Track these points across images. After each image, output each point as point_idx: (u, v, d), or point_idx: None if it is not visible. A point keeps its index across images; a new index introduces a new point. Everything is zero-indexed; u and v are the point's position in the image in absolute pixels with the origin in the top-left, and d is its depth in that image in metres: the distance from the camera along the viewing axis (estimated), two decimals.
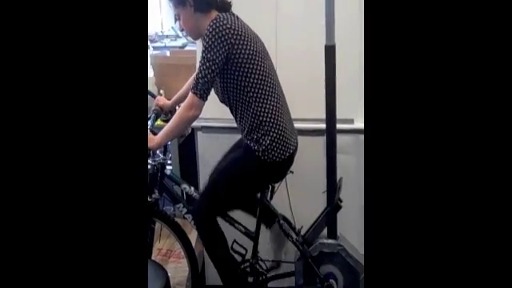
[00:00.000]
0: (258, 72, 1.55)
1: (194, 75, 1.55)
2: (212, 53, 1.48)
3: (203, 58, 1.49)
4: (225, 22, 1.48)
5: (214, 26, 1.47)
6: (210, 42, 1.48)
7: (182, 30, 1.77)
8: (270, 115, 1.59)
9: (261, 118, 1.58)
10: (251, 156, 1.62)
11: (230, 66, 1.53)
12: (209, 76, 1.50)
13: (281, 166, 1.66)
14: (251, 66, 1.54)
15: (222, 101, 1.69)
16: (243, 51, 1.52)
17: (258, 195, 1.80)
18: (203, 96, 1.52)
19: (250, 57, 1.53)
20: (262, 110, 1.58)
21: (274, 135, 1.59)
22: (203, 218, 1.76)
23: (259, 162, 1.61)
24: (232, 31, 1.49)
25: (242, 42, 1.51)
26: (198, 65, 1.53)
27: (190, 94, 1.53)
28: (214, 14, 1.55)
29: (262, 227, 1.86)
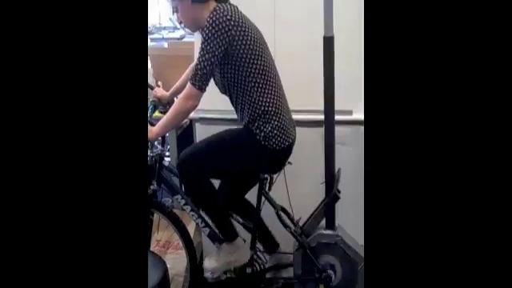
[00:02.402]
0: (258, 62, 1.55)
1: (193, 65, 1.54)
2: (212, 44, 1.47)
3: (203, 49, 1.49)
4: (225, 13, 1.48)
5: (213, 18, 1.47)
6: (210, 34, 1.47)
7: (180, 23, 1.76)
8: (271, 105, 1.59)
9: (262, 108, 1.58)
10: (252, 137, 1.62)
11: (231, 57, 1.53)
12: (208, 68, 1.49)
13: (278, 155, 1.67)
14: (252, 57, 1.54)
15: (223, 91, 1.69)
16: (244, 42, 1.51)
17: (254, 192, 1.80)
18: (202, 87, 1.52)
19: (251, 48, 1.53)
20: (264, 99, 1.58)
21: (275, 123, 1.60)
22: (188, 170, 1.70)
23: (259, 145, 1.61)
24: (232, 22, 1.48)
25: (242, 34, 1.51)
26: (196, 56, 1.53)
27: (189, 84, 1.53)
28: (213, 4, 1.54)
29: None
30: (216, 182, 1.82)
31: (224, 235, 1.82)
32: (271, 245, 1.95)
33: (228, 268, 1.85)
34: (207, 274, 1.83)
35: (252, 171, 1.76)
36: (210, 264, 1.82)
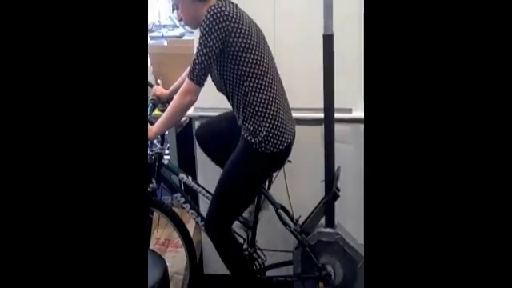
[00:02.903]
0: (254, 61, 1.54)
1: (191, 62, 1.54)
2: (209, 39, 1.47)
3: (200, 44, 1.49)
4: (223, 8, 1.48)
5: (211, 13, 1.47)
6: (208, 29, 1.47)
7: (180, 20, 1.76)
8: (265, 105, 1.57)
9: (256, 108, 1.57)
10: (249, 152, 1.61)
11: (227, 54, 1.52)
12: (205, 62, 1.49)
13: (278, 157, 1.66)
14: (247, 55, 1.53)
15: (219, 89, 1.68)
16: (240, 39, 1.51)
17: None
18: (200, 82, 1.52)
19: (247, 45, 1.52)
20: (258, 98, 1.57)
21: (270, 126, 1.58)
22: (217, 232, 1.75)
23: (257, 154, 1.60)
24: (230, 18, 1.48)
25: (238, 30, 1.50)
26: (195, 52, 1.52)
27: (187, 80, 1.53)
28: (213, 2, 1.54)
29: (260, 216, 1.86)
30: (216, 179, 1.81)
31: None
32: None
33: None
34: None
35: (262, 180, 1.78)
36: None
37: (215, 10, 1.47)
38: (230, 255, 1.79)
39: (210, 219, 1.74)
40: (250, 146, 1.60)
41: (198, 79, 1.51)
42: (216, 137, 1.91)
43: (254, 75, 1.55)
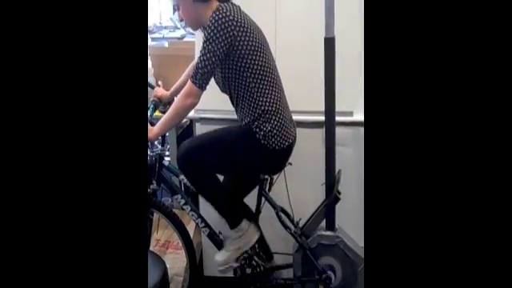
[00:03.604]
0: (259, 63, 1.55)
1: (193, 64, 1.54)
2: (214, 44, 1.47)
3: (204, 48, 1.49)
4: (227, 13, 1.48)
5: (216, 18, 1.47)
6: (212, 34, 1.47)
7: (181, 21, 1.76)
8: (271, 105, 1.59)
9: (262, 108, 1.58)
10: (252, 136, 1.61)
11: (232, 57, 1.53)
12: (209, 67, 1.49)
13: (278, 156, 1.66)
14: (253, 57, 1.54)
15: (223, 90, 1.68)
16: (245, 42, 1.51)
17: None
18: (202, 86, 1.52)
19: (252, 48, 1.53)
20: (264, 100, 1.58)
21: (275, 123, 1.60)
22: (188, 163, 1.68)
23: (259, 144, 1.61)
24: (235, 23, 1.48)
25: (244, 34, 1.51)
26: (197, 56, 1.53)
27: (189, 82, 1.53)
28: (215, 4, 1.54)
29: (260, 219, 1.86)
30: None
31: (229, 222, 1.78)
32: (266, 255, 1.93)
33: (239, 254, 1.80)
34: (221, 268, 1.80)
35: (252, 171, 1.76)
36: (222, 256, 1.79)
37: (220, 16, 1.47)
38: (206, 186, 1.75)
39: (185, 153, 1.66)
40: (254, 135, 1.60)
41: (200, 83, 1.51)
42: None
43: (260, 76, 1.56)
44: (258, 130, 1.60)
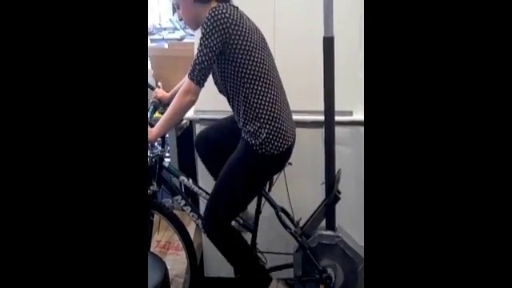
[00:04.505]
0: (254, 63, 1.55)
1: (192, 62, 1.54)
2: (209, 40, 1.48)
3: (201, 44, 1.49)
4: (223, 11, 1.48)
5: (212, 14, 1.47)
6: (208, 30, 1.48)
7: (180, 20, 1.77)
8: (266, 107, 1.58)
9: (257, 110, 1.58)
10: (249, 152, 1.61)
11: (227, 56, 1.53)
12: (206, 62, 1.49)
13: (279, 159, 1.66)
14: (247, 57, 1.53)
15: (221, 91, 1.69)
16: (240, 41, 1.51)
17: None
18: (200, 82, 1.52)
19: (247, 47, 1.53)
20: (258, 101, 1.57)
21: (271, 127, 1.58)
22: (216, 230, 1.74)
23: (257, 156, 1.60)
24: (230, 21, 1.49)
25: (238, 33, 1.51)
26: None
27: (187, 79, 1.53)
28: (214, 4, 1.55)
29: (260, 219, 1.86)
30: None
31: (258, 285, 1.83)
32: None
33: None
34: None
35: (263, 180, 1.77)
36: None
37: (216, 12, 1.47)
38: (233, 253, 1.78)
39: (208, 218, 1.73)
40: (251, 148, 1.60)
41: (198, 79, 1.51)
42: (216, 148, 1.90)
43: (254, 77, 1.56)
44: (253, 140, 1.59)
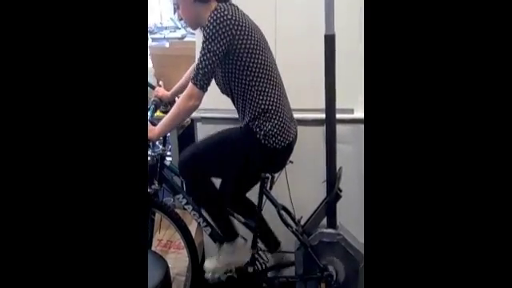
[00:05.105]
0: (259, 62, 1.55)
1: (194, 65, 1.55)
2: (213, 44, 1.47)
3: (204, 48, 1.49)
4: (226, 12, 1.48)
5: (214, 17, 1.47)
6: (211, 33, 1.47)
7: (180, 19, 1.77)
8: (271, 104, 1.59)
9: (263, 107, 1.59)
10: (252, 136, 1.62)
11: (232, 57, 1.53)
12: (209, 67, 1.49)
13: (279, 154, 1.67)
14: (252, 56, 1.54)
15: (223, 91, 1.69)
16: (244, 42, 1.52)
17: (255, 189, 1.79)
18: (203, 87, 1.52)
19: (252, 47, 1.53)
20: (264, 99, 1.58)
21: (276, 122, 1.60)
22: (189, 169, 1.72)
23: (259, 144, 1.61)
24: (233, 22, 1.49)
25: (242, 33, 1.51)
26: (197, 56, 1.53)
27: (190, 84, 1.53)
28: (214, 4, 1.55)
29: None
30: (217, 182, 1.82)
31: (225, 235, 1.83)
32: (272, 243, 1.95)
33: (229, 268, 1.85)
34: (208, 275, 1.84)
35: (253, 170, 1.76)
36: (211, 264, 1.83)
37: (218, 15, 1.47)
38: (205, 197, 1.79)
39: (187, 159, 1.70)
40: (254, 135, 1.60)
41: (201, 84, 1.51)
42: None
43: (259, 75, 1.56)
44: (258, 129, 1.60)
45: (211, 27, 1.47)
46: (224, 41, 1.48)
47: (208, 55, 1.49)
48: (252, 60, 1.54)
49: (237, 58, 1.53)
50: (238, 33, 1.50)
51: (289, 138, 1.64)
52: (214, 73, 1.53)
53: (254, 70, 1.55)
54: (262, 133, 1.60)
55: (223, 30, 1.47)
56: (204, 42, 1.49)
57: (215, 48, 1.48)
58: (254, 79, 1.56)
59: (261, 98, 1.58)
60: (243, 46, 1.52)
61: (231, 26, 1.48)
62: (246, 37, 1.52)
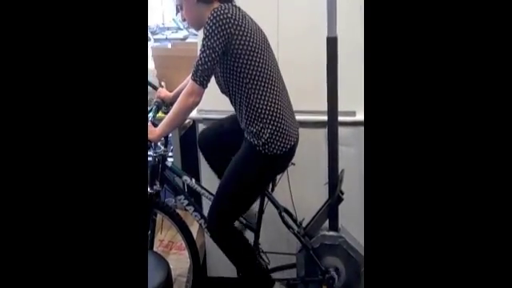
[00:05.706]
0: (256, 63, 1.55)
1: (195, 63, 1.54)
2: (212, 40, 1.48)
3: (203, 45, 1.49)
4: (226, 11, 1.48)
5: (214, 15, 1.47)
6: (211, 30, 1.48)
7: (183, 20, 1.76)
8: (268, 107, 1.58)
9: (259, 110, 1.57)
10: (252, 153, 1.61)
11: (230, 57, 1.53)
12: (209, 63, 1.49)
13: (282, 159, 1.66)
14: (250, 58, 1.53)
15: (223, 91, 1.69)
16: (242, 42, 1.51)
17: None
18: (203, 83, 1.52)
19: (249, 48, 1.53)
20: (261, 101, 1.57)
21: (274, 128, 1.58)
22: (219, 231, 1.75)
23: (260, 156, 1.60)
24: (232, 21, 1.49)
25: (241, 33, 1.51)
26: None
27: (190, 81, 1.53)
28: (216, 4, 1.55)
29: (263, 219, 1.86)
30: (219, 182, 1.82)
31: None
32: None
33: None
34: None
35: (263, 183, 1.77)
36: None
37: (218, 13, 1.47)
38: (236, 253, 1.79)
39: (211, 219, 1.74)
40: (254, 148, 1.60)
41: (201, 80, 1.51)
42: (218, 146, 1.91)
43: (257, 77, 1.55)
44: (256, 140, 1.59)
45: (210, 24, 1.48)
46: (222, 38, 1.48)
47: (207, 52, 1.49)
48: (249, 61, 1.54)
49: (234, 57, 1.53)
50: (237, 32, 1.50)
51: (290, 142, 1.63)
52: (213, 69, 1.53)
53: (251, 71, 1.54)
54: (261, 142, 1.58)
55: (222, 28, 1.48)
56: (203, 39, 1.50)
57: (214, 45, 1.48)
58: (251, 81, 1.55)
59: (257, 100, 1.57)
60: (241, 47, 1.52)
61: (230, 25, 1.48)
62: (244, 37, 1.52)
